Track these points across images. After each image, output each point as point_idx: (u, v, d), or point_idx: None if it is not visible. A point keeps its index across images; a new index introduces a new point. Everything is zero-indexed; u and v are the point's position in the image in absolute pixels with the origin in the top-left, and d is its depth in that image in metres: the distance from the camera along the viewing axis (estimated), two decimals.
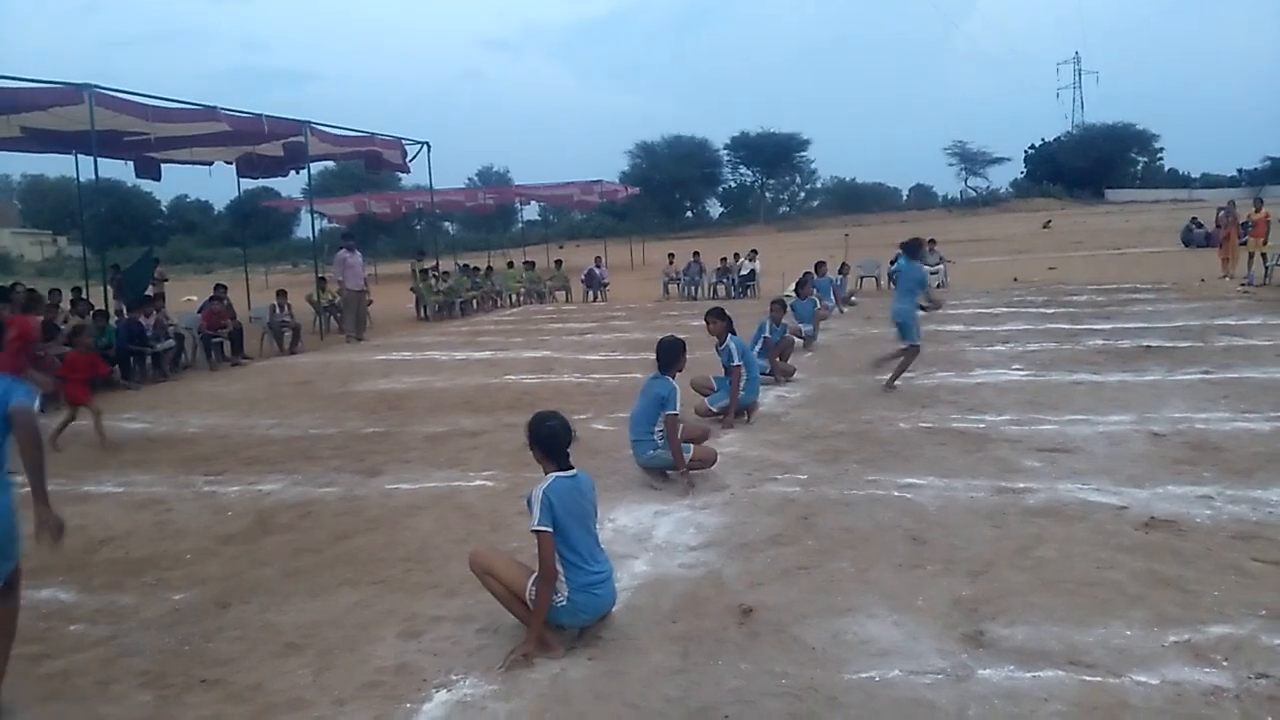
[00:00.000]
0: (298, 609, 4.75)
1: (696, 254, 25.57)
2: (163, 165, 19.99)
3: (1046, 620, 4.07)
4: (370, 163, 23.22)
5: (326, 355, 15.85)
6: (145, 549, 5.85)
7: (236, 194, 27.79)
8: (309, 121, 18.75)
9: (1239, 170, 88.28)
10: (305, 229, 64.59)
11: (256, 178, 23.77)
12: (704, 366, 9.03)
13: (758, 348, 9.98)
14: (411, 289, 23.37)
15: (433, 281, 22.97)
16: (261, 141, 19.12)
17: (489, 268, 27.40)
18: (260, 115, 17.39)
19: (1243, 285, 18.39)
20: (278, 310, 17.14)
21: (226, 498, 6.95)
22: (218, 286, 16.07)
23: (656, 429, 6.51)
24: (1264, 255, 19.17)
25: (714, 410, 8.30)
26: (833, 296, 17.28)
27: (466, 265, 26.46)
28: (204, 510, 6.66)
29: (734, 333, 8.68)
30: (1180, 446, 6.84)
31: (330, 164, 48.49)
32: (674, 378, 6.67)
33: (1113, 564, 4.68)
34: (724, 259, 24.75)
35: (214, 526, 6.26)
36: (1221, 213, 21.85)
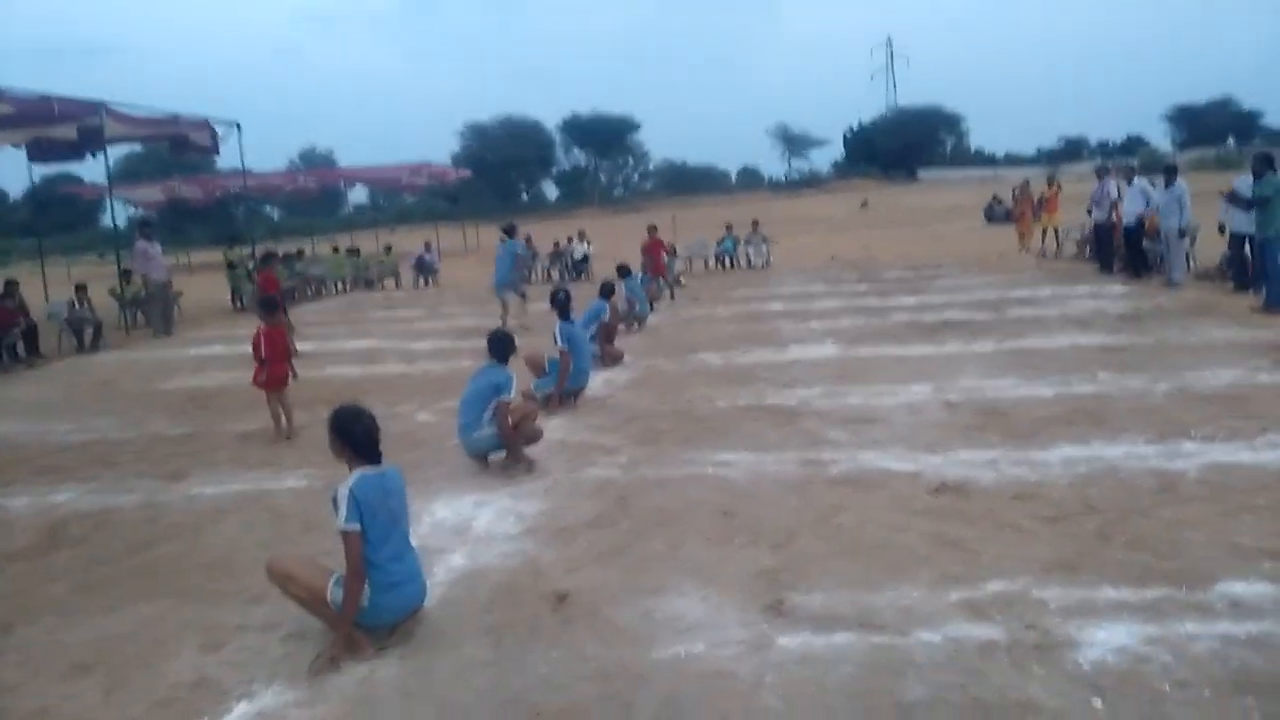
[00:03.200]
0: (89, 626, 4.47)
1: (529, 237, 25.41)
2: None
3: (842, 585, 4.30)
4: (175, 145, 21.85)
5: (131, 353, 14.86)
6: None
7: (30, 181, 25.60)
8: (105, 102, 17.45)
9: (1038, 149, 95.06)
10: (111, 217, 60.37)
11: (49, 162, 21.98)
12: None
13: (591, 330, 10.05)
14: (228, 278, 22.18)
15: (246, 270, 21.88)
16: (52, 124, 17.66)
17: (299, 252, 26.16)
18: (49, 96, 16.07)
19: (1036, 259, 19.87)
20: (77, 306, 15.94)
21: (14, 510, 6.47)
22: (7, 283, 14.76)
23: (486, 413, 6.49)
24: (1056, 230, 20.72)
25: (537, 396, 8.32)
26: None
27: (274, 253, 25.27)
28: None
29: (568, 317, 8.75)
30: (972, 413, 7.34)
31: (137, 147, 45.42)
32: (508, 366, 6.72)
33: (905, 528, 4.99)
34: (556, 243, 24.71)
35: None
36: (1017, 190, 23.45)
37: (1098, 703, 3.22)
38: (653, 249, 17.68)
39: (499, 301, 14.76)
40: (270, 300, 8.71)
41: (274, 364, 7.99)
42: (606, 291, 11.08)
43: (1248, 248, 12.44)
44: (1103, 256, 16.51)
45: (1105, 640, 3.62)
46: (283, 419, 8.06)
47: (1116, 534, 4.70)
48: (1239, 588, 4.00)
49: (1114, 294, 13.61)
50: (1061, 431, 6.62)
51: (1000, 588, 4.17)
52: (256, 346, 7.98)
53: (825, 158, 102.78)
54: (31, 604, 4.80)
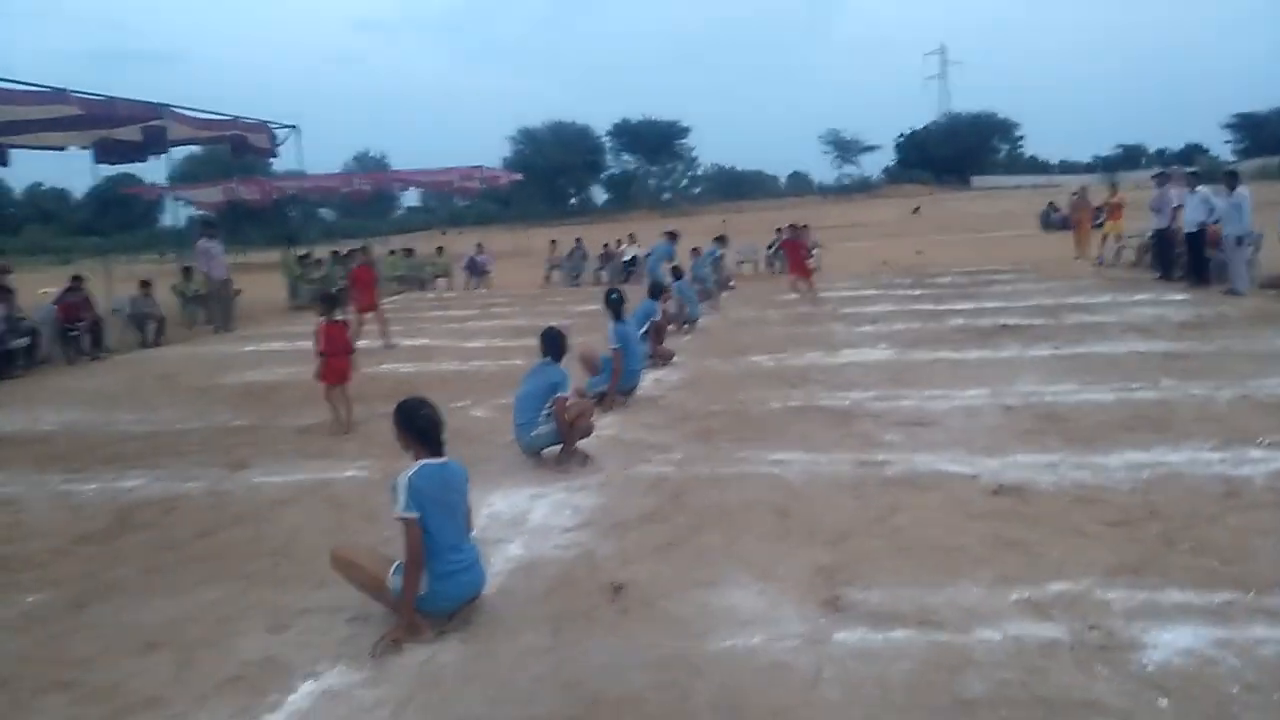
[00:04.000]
0: (158, 607, 4.60)
1: (579, 240, 25.57)
2: (11, 151, 18.75)
3: (899, 584, 4.28)
4: (235, 147, 22.25)
5: (192, 347, 15.24)
6: None
7: (95, 181, 26.35)
8: (167, 104, 17.90)
9: (1094, 156, 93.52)
10: (171, 217, 61.93)
11: (114, 163, 22.55)
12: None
13: (642, 330, 10.10)
14: (286, 276, 22.62)
15: (306, 269, 22.30)
16: (117, 125, 18.15)
17: (350, 252, 26.48)
18: (114, 98, 16.51)
19: (1095, 266, 19.52)
20: (140, 301, 16.37)
21: (84, 496, 6.66)
22: (74, 277, 15.23)
23: (544, 411, 6.57)
24: (1116, 237, 20.35)
25: (591, 395, 8.37)
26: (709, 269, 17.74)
27: (337, 252, 25.70)
28: (59, 509, 6.37)
29: (621, 317, 8.80)
30: (1030, 418, 7.25)
31: (196, 149, 46.45)
32: (562, 364, 6.79)
33: (963, 529, 4.95)
34: (606, 245, 24.83)
35: (70, 526, 6.00)
36: (1075, 197, 23.05)
37: (1164, 703, 3.18)
38: (791, 248, 17.69)
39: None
40: (330, 296, 8.90)
41: (333, 358, 8.17)
42: (656, 292, 11.12)
43: None
44: (1164, 264, 16.16)
45: (1171, 642, 3.57)
46: (342, 413, 8.21)
47: (1181, 539, 4.62)
48: None
49: (1175, 301, 13.32)
50: (1123, 437, 6.51)
51: (1062, 588, 4.12)
52: (317, 340, 8.15)
53: (876, 164, 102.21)
54: (102, 585, 4.96)
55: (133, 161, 22.21)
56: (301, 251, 23.90)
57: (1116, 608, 3.89)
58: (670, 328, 11.86)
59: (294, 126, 22.73)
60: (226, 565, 5.11)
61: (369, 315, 13.59)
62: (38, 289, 21.06)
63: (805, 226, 19.65)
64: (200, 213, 38.22)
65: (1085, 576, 4.24)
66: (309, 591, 4.62)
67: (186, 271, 19.25)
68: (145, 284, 16.90)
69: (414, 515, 3.93)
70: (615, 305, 8.91)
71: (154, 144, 19.90)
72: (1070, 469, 5.88)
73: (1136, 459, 5.96)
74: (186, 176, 50.70)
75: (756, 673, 3.56)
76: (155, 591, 4.81)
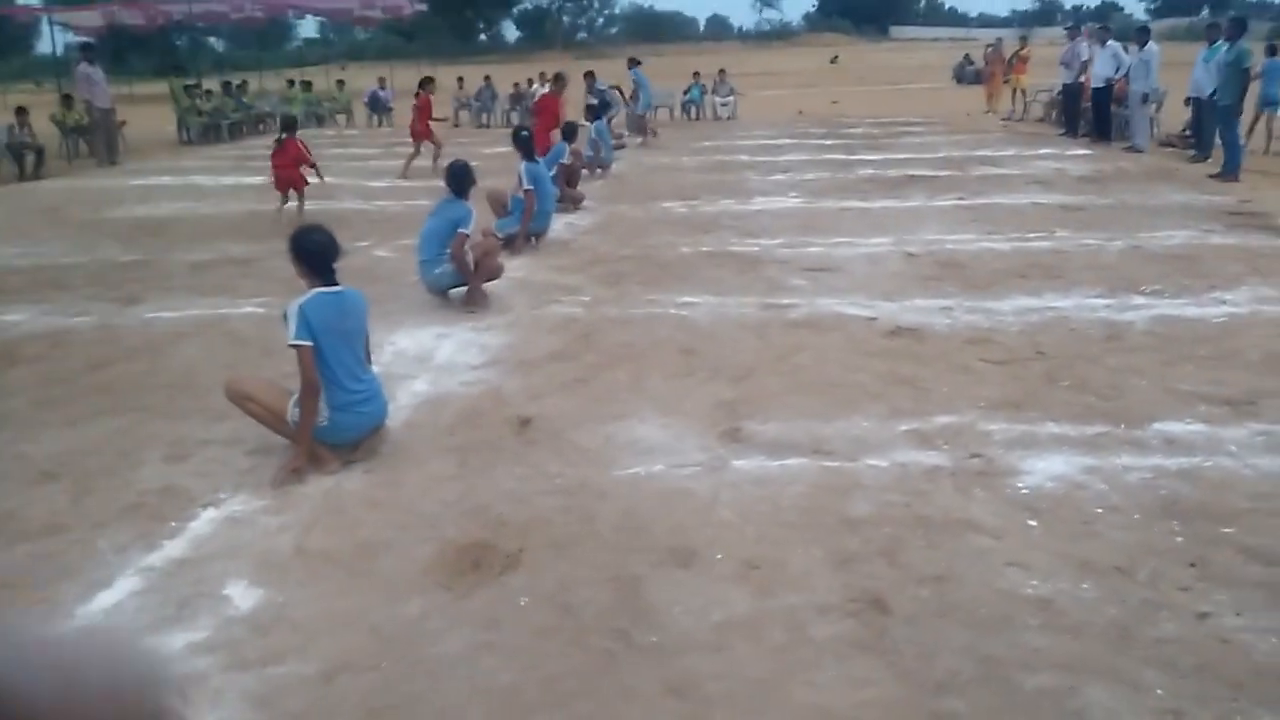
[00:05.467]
0: (51, 439, 4.49)
1: (488, 78, 24.57)
2: None
3: (797, 417, 4.44)
4: None
5: (75, 180, 14.34)
6: None
7: None
8: None
9: (1012, 10, 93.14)
10: (48, 44, 57.06)
11: None
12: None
13: (552, 172, 9.88)
14: (175, 108, 21.25)
15: (195, 101, 20.98)
16: None
17: (243, 84, 25.01)
18: None
19: (1003, 119, 19.71)
20: (17, 130, 15.22)
21: None
22: None
23: (446, 249, 6.44)
24: (1024, 91, 20.49)
25: (499, 236, 8.23)
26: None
27: (229, 83, 24.18)
28: None
29: (533, 157, 8.56)
30: (930, 265, 7.43)
31: None
32: (468, 200, 6.59)
33: (859, 367, 5.13)
34: (516, 84, 23.92)
35: None
36: (989, 49, 23.01)
37: (1033, 522, 3.42)
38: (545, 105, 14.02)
39: None
40: (288, 121, 10.94)
41: (280, 169, 10.19)
42: (569, 133, 10.83)
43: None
44: (1069, 119, 16.42)
45: (1044, 469, 3.82)
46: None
47: (1062, 377, 4.88)
48: (1174, 427, 4.21)
49: (1077, 156, 13.62)
50: (1016, 283, 6.75)
51: (948, 421, 4.34)
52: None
53: (798, 8, 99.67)
54: None
55: None
56: (190, 82, 22.38)
57: (997, 438, 4.12)
58: (584, 171, 11.64)
59: None
60: (121, 398, 4.98)
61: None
62: None
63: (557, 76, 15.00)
64: (79, 38, 35.37)
65: (970, 410, 4.47)
66: (208, 424, 4.55)
67: (66, 100, 17.87)
68: (21, 111, 15.67)
69: (306, 343, 3.85)
70: (525, 144, 8.65)
71: None
72: (964, 313, 6.10)
73: (1027, 304, 6.21)
74: None
75: (658, 497, 3.69)
76: (47, 424, 4.68)
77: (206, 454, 4.22)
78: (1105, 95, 14.84)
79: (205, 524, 3.59)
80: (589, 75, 17.82)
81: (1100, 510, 3.49)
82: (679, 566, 3.21)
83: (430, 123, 14.35)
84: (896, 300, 6.40)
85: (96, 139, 16.74)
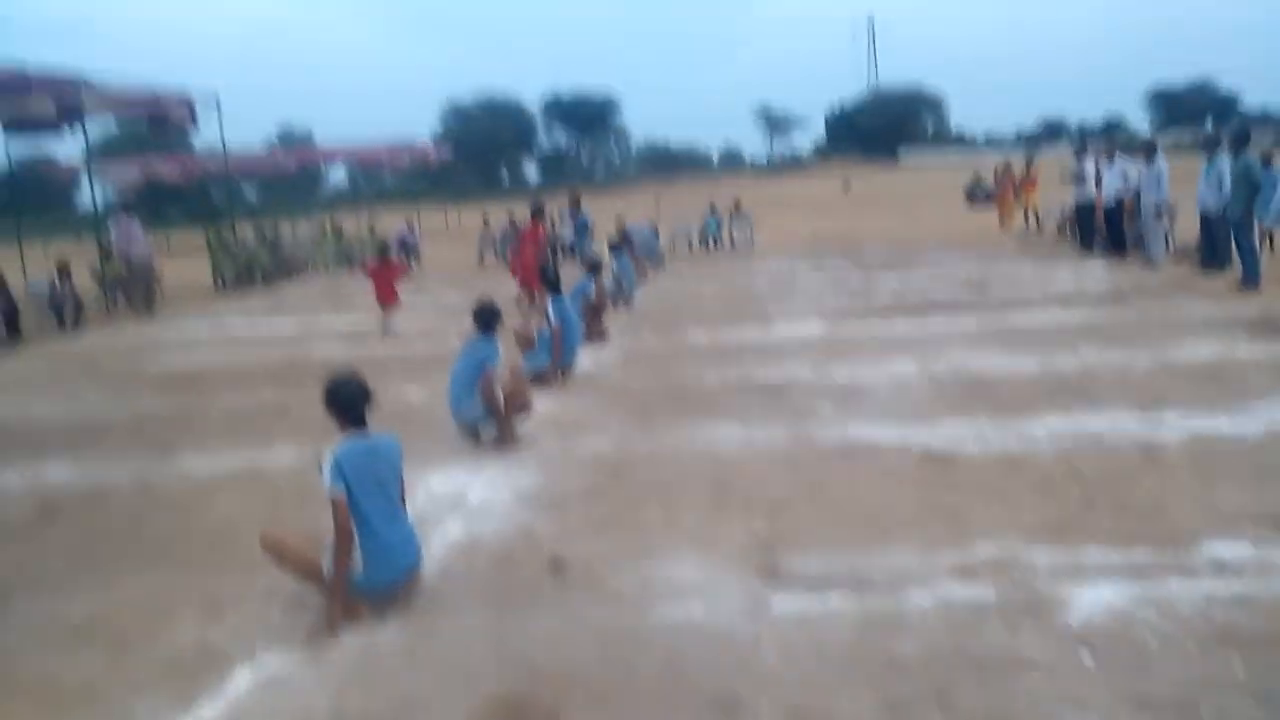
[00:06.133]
0: (89, 597, 4.49)
1: (512, 218, 25.31)
2: None
3: (835, 550, 4.39)
4: (154, 120, 21.58)
5: (113, 332, 14.76)
6: None
7: (6, 159, 25.20)
8: (82, 74, 17.22)
9: (1017, 131, 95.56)
10: (88, 197, 59.60)
11: (26, 135, 21.63)
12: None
13: (578, 307, 10.07)
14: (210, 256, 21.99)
15: (230, 249, 21.73)
16: (28, 95, 17.42)
17: (276, 229, 25.85)
18: (24, 68, 15.84)
19: (1019, 238, 20.01)
20: (59, 285, 15.79)
21: (5, 487, 6.45)
22: None
23: (476, 387, 6.54)
24: (1035, 210, 20.87)
25: (527, 372, 8.33)
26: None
27: (262, 230, 25.05)
28: None
29: (558, 293, 8.76)
30: (957, 387, 7.44)
31: (113, 127, 44.85)
32: (496, 338, 6.73)
33: (895, 496, 5.08)
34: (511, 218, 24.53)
35: None
36: (998, 171, 23.57)
37: (1087, 658, 3.32)
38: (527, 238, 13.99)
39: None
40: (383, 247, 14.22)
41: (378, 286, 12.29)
42: (594, 269, 11.11)
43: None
44: (1084, 235, 16.65)
45: (1093, 600, 3.72)
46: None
47: (1102, 499, 4.81)
48: (1221, 549, 4.11)
49: (1095, 272, 13.76)
50: (1046, 403, 6.73)
51: (990, 550, 4.26)
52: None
53: (807, 138, 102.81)
54: (29, 577, 4.82)
55: (45, 132, 21.33)
56: (225, 231, 23.23)
57: (1041, 567, 4.04)
58: (607, 305, 11.86)
59: (215, 100, 22.05)
60: (157, 553, 5.00)
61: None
62: None
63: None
64: (118, 192, 36.99)
65: (1011, 538, 4.39)
66: (243, 577, 4.53)
67: (105, 254, 18.58)
68: (64, 267, 16.28)
69: (340, 491, 3.89)
70: (552, 282, 8.88)
71: (68, 117, 19.15)
72: (996, 435, 6.07)
73: (1059, 424, 6.17)
74: (104, 153, 48.99)
75: (698, 641, 3.62)
76: (83, 583, 4.69)
77: (242, 609, 4.20)
78: (1117, 211, 15.08)
79: (241, 684, 3.55)
80: (574, 201, 16.89)
81: (1155, 642, 3.38)
82: (723, 717, 3.13)
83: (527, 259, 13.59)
84: (927, 424, 6.39)
85: (134, 291, 17.30)
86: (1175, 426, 5.97)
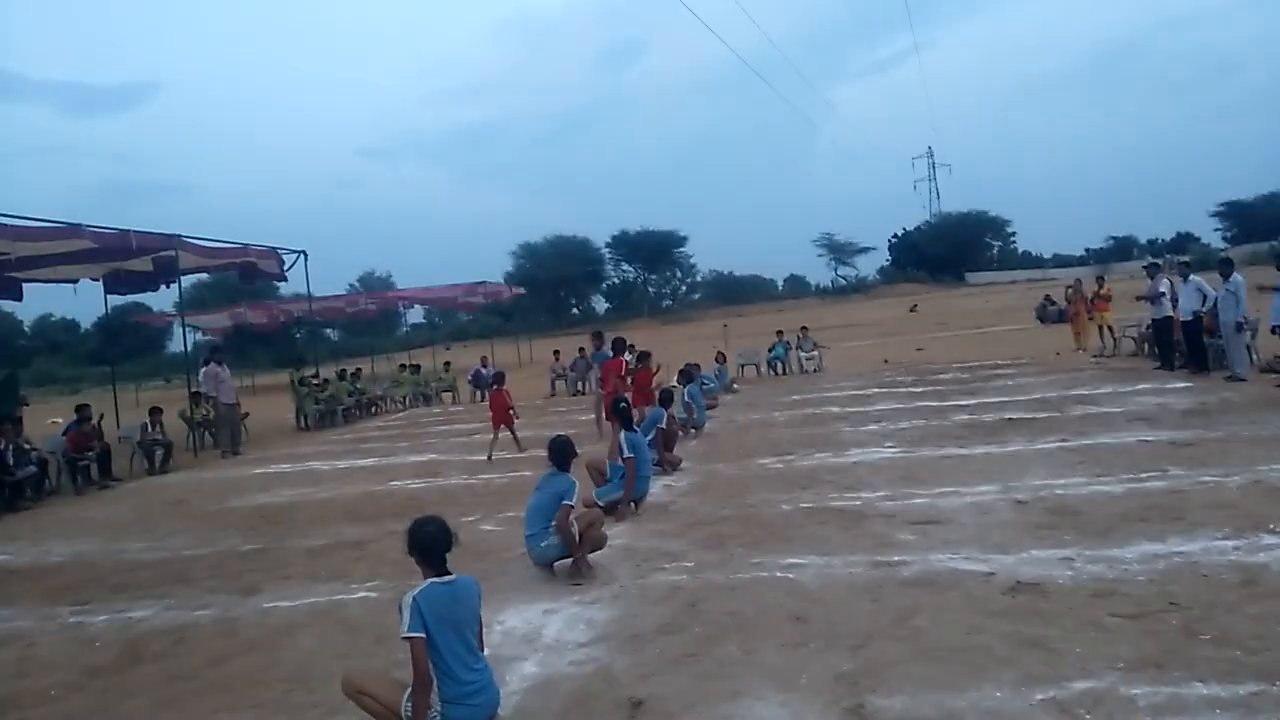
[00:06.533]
0: None
1: (581, 350, 25.81)
2: (24, 285, 19.15)
3: (923, 688, 4.22)
4: (245, 273, 22.82)
5: (201, 473, 15.25)
6: (5, 687, 5.50)
7: (104, 311, 26.80)
8: (179, 235, 18.40)
9: (1086, 249, 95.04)
10: (178, 343, 62.62)
11: (125, 294, 23.02)
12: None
13: (650, 437, 10.15)
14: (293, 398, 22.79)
15: (312, 390, 22.49)
16: (130, 257, 18.62)
17: (357, 371, 26.74)
18: (127, 231, 17.00)
19: (1094, 357, 19.64)
20: (149, 429, 16.47)
21: (94, 628, 6.60)
22: (80, 407, 15.38)
23: (552, 522, 6.59)
24: (1111, 328, 20.54)
25: (601, 504, 8.36)
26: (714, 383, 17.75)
27: (344, 370, 25.97)
28: (70, 642, 6.30)
29: (631, 425, 8.87)
30: (1042, 512, 7.22)
31: (204, 276, 47.34)
32: (570, 472, 6.83)
33: (983, 629, 4.90)
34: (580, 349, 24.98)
35: (80, 659, 5.93)
36: (1070, 290, 23.37)
37: None
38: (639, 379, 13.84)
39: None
40: (499, 375, 15.04)
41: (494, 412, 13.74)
42: (665, 399, 11.22)
43: None
44: (1164, 353, 16.30)
45: None
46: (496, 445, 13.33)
47: (1202, 630, 4.57)
48: None
49: (1178, 389, 13.39)
50: (1137, 528, 6.48)
51: (1086, 686, 4.06)
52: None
53: (871, 264, 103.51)
54: (115, 718, 4.89)
55: (144, 291, 22.70)
56: (308, 372, 24.12)
57: (1142, 704, 3.83)
58: (678, 433, 11.90)
59: (302, 252, 23.27)
60: (239, 694, 5.05)
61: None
62: (47, 419, 21.21)
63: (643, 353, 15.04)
64: (208, 338, 38.76)
65: (1108, 673, 4.19)
66: (322, 719, 4.55)
67: (195, 397, 19.40)
68: (155, 411, 17.02)
69: (419, 635, 3.91)
70: (624, 413, 8.98)
71: (165, 274, 20.39)
72: (1086, 563, 5.84)
73: (1151, 550, 5.93)
74: (195, 303, 51.61)
75: None
76: None
77: None
78: (1195, 327, 14.79)
79: None
80: (596, 336, 16.36)
81: None
82: None
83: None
84: (1012, 552, 6.19)
85: (221, 432, 17.95)
86: (1275, 550, 5.69)
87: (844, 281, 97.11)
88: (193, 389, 19.98)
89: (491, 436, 13.62)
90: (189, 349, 28.46)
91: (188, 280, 23.00)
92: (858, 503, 8.08)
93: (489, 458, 13.04)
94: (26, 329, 75.54)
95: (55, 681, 5.54)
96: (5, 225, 14.50)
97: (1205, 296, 14.47)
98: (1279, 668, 4.04)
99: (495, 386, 14.38)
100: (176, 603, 7.02)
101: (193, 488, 13.36)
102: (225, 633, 6.18)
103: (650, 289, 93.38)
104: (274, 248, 22.41)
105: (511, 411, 13.90)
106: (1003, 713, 3.91)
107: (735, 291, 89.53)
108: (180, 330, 26.36)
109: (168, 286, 22.15)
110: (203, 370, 18.32)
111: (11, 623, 6.88)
